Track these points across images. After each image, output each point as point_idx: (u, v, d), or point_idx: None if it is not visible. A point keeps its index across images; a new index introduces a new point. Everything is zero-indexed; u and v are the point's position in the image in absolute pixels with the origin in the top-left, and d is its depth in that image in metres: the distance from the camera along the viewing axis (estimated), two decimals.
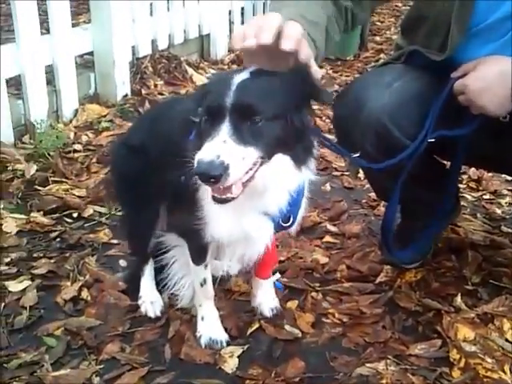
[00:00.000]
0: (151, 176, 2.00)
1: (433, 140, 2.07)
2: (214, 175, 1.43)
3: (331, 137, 3.86)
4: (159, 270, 2.27)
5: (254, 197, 1.69)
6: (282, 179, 1.69)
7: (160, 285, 2.28)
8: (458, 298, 2.30)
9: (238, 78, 1.56)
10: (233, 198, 1.55)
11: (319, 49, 1.92)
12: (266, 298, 2.27)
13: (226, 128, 1.49)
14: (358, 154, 2.08)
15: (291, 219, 1.89)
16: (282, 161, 1.62)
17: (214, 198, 1.55)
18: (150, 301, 2.28)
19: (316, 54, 1.88)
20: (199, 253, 1.98)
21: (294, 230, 2.00)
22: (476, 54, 2.05)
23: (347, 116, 2.17)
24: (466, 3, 2.01)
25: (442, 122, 2.06)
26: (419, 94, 2.13)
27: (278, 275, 2.35)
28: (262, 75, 1.60)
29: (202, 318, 2.12)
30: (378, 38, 7.01)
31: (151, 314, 2.25)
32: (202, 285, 2.06)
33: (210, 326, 2.12)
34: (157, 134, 2.03)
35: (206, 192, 1.73)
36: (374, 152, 2.13)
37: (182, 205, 1.89)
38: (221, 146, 1.46)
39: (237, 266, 2.23)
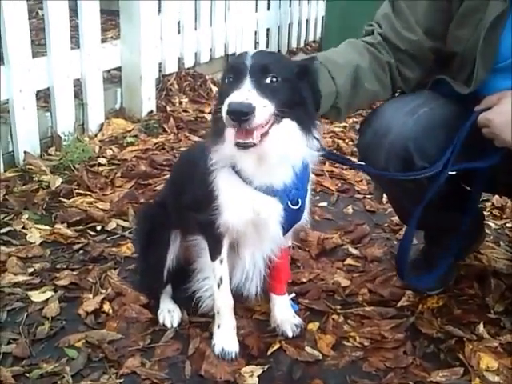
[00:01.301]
0: (167, 221, 2.24)
1: (454, 173, 2.08)
2: (246, 112, 1.65)
3: (354, 159, 3.90)
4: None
5: (262, 172, 1.88)
6: (288, 148, 1.85)
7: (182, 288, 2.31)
8: (481, 326, 2.28)
9: (253, 51, 1.83)
10: (254, 144, 1.73)
11: (338, 86, 2.10)
12: (285, 315, 2.27)
13: (248, 82, 1.71)
14: (363, 163, 2.23)
15: (299, 203, 1.99)
16: (289, 126, 1.82)
17: (238, 144, 1.73)
18: (168, 310, 2.30)
19: (335, 90, 2.09)
20: (215, 244, 2.06)
21: (305, 221, 2.12)
22: (500, 87, 2.06)
23: (372, 142, 2.19)
24: (490, 42, 2.03)
25: (465, 153, 2.07)
26: (444, 122, 2.13)
27: (293, 294, 2.35)
28: (270, 52, 1.97)
29: (219, 326, 2.14)
30: None
31: (168, 324, 2.27)
32: (218, 285, 2.10)
33: (225, 336, 2.13)
34: (178, 169, 2.39)
35: (220, 181, 1.93)
36: (399, 181, 2.15)
37: (199, 203, 2.02)
38: (247, 93, 1.69)
39: (254, 285, 2.23)
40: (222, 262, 2.08)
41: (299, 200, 1.99)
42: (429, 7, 2.16)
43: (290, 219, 2.01)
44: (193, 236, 2.14)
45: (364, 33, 2.29)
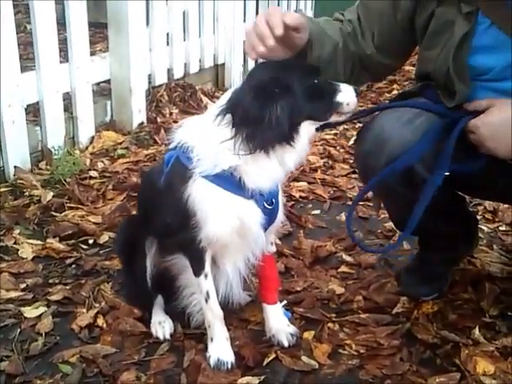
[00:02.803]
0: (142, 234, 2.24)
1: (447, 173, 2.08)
2: None
3: (345, 166, 3.91)
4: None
5: (269, 174, 1.92)
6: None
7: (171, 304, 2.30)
8: (476, 331, 2.27)
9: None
10: None
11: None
12: (280, 324, 2.25)
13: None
14: None
15: (273, 202, 2.02)
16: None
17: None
18: (159, 321, 2.29)
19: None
20: (198, 260, 2.05)
21: (280, 220, 2.13)
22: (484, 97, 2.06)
23: (371, 151, 2.18)
24: (460, 59, 2.03)
25: (455, 157, 2.07)
26: (441, 129, 2.12)
27: (284, 302, 2.34)
28: None
29: (212, 339, 2.13)
30: None
31: (160, 335, 2.25)
32: (206, 300, 2.09)
33: (219, 347, 2.12)
34: (143, 195, 2.36)
35: (197, 196, 1.91)
36: (399, 188, 2.16)
37: (175, 225, 2.01)
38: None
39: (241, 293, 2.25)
40: (206, 276, 2.07)
41: (273, 199, 2.01)
42: (384, 27, 2.18)
43: (267, 220, 2.02)
44: (172, 255, 2.13)
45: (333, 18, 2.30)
